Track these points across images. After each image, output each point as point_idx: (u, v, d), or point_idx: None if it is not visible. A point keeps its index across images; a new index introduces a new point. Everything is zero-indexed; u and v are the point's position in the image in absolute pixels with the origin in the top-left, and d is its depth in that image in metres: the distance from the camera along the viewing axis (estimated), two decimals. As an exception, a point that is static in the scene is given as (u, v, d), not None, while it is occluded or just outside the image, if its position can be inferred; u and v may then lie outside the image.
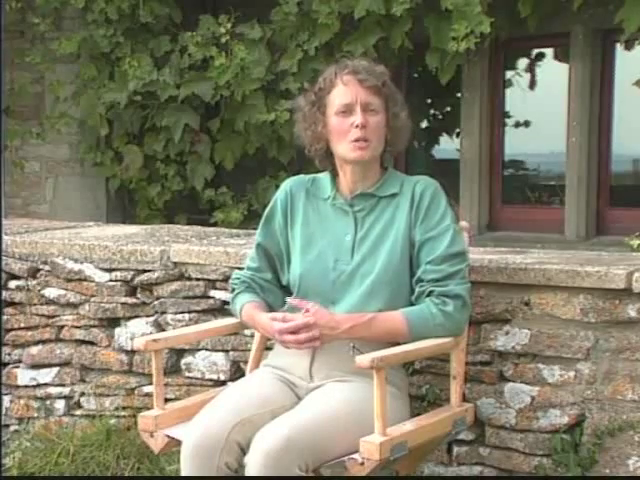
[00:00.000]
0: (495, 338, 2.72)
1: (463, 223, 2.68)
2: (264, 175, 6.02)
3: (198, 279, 3.16)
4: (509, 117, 6.15)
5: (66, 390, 3.41)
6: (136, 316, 3.27)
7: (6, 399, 3.50)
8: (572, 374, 2.64)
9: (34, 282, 3.44)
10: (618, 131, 5.69)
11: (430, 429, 2.45)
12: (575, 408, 2.64)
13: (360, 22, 5.39)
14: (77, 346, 3.38)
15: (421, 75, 6.40)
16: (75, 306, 3.36)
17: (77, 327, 3.36)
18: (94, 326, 3.34)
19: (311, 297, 2.48)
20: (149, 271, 3.23)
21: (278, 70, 5.69)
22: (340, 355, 2.43)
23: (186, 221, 5.87)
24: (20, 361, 3.49)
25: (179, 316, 3.19)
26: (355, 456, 2.25)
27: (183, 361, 3.22)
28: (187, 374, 3.21)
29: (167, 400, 2.79)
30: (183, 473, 2.33)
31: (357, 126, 2.45)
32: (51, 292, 3.40)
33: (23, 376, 3.47)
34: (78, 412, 3.39)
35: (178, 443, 2.45)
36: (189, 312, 3.17)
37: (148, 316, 3.25)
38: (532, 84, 6.16)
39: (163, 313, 3.22)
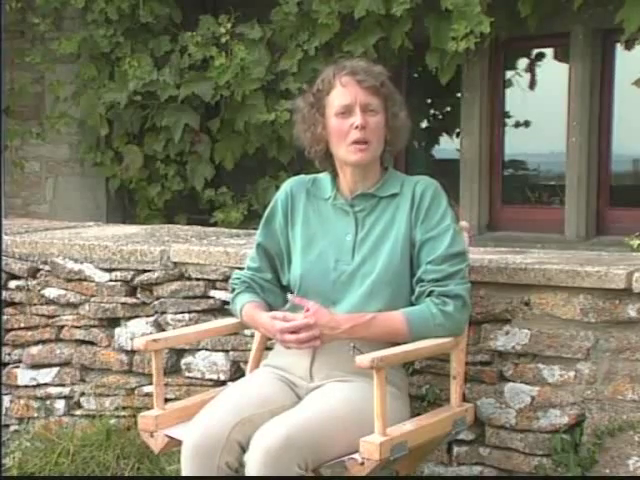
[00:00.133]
0: (495, 338, 2.72)
1: (463, 223, 2.68)
2: (264, 175, 6.02)
3: (198, 279, 3.16)
4: (509, 117, 6.15)
5: (66, 390, 3.41)
6: (136, 316, 3.27)
7: (6, 399, 3.50)
8: (572, 374, 2.64)
9: (34, 282, 3.44)
10: (618, 131, 5.69)
11: (430, 429, 2.45)
12: (575, 408, 2.64)
13: (360, 22, 5.39)
14: (77, 346, 3.38)
15: (421, 75, 6.40)
16: (75, 306, 3.36)
17: (77, 327, 3.36)
18: (94, 326, 3.34)
19: (311, 297, 2.48)
20: (149, 271, 3.23)
21: (278, 70, 5.69)
22: (340, 355, 2.43)
23: (186, 221, 5.87)
24: (20, 361, 3.49)
25: (179, 316, 3.19)
26: (355, 456, 2.25)
27: (183, 361, 3.22)
28: (187, 374, 3.21)
29: (167, 400, 2.79)
30: (184, 473, 2.33)
31: (357, 127, 2.45)
32: (51, 292, 3.40)
33: (23, 376, 3.47)
34: (78, 412, 3.39)
35: (178, 443, 2.45)
36: (189, 312, 3.17)
37: (148, 316, 3.25)
38: (532, 84, 6.16)
39: (163, 313, 3.22)
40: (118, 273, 3.28)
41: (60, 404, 3.43)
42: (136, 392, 3.29)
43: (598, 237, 5.65)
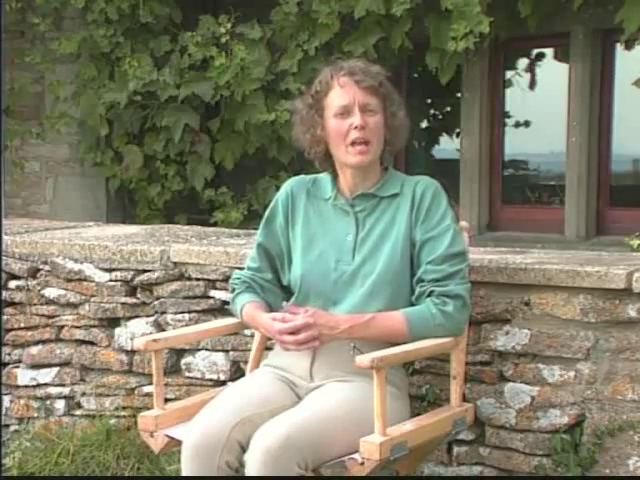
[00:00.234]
0: (495, 338, 2.72)
1: (463, 223, 2.68)
2: (264, 175, 6.02)
3: (198, 279, 3.16)
4: (509, 117, 6.15)
5: (66, 390, 3.41)
6: (136, 316, 3.27)
7: (6, 399, 3.50)
8: (572, 374, 2.64)
9: (34, 282, 3.44)
10: (618, 131, 5.69)
11: (430, 429, 2.45)
12: (575, 408, 2.64)
13: (360, 22, 5.39)
14: (77, 346, 3.38)
15: (421, 75, 6.40)
16: (75, 306, 3.36)
17: (77, 327, 3.36)
18: (94, 326, 3.34)
19: (312, 297, 2.49)
20: (149, 271, 3.23)
21: (278, 70, 5.69)
22: (340, 355, 2.43)
23: (186, 221, 5.87)
24: (20, 361, 3.49)
25: (179, 316, 3.19)
26: (355, 456, 2.25)
27: (183, 361, 3.22)
28: (187, 374, 3.21)
29: (167, 400, 2.79)
30: (184, 473, 2.33)
31: (356, 127, 2.44)
32: (51, 292, 3.40)
33: (23, 376, 3.47)
34: (78, 412, 3.39)
35: (178, 443, 2.45)
36: (189, 312, 3.17)
37: (148, 316, 3.25)
38: (532, 84, 6.16)
39: (163, 313, 3.22)
40: (118, 273, 3.28)
41: (60, 404, 3.43)
42: (136, 392, 3.29)
43: (598, 237, 5.65)
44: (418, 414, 2.56)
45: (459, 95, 6.03)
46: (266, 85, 5.71)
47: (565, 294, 2.62)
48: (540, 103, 6.05)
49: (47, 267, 3.42)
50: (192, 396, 2.88)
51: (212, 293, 3.15)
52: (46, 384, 3.44)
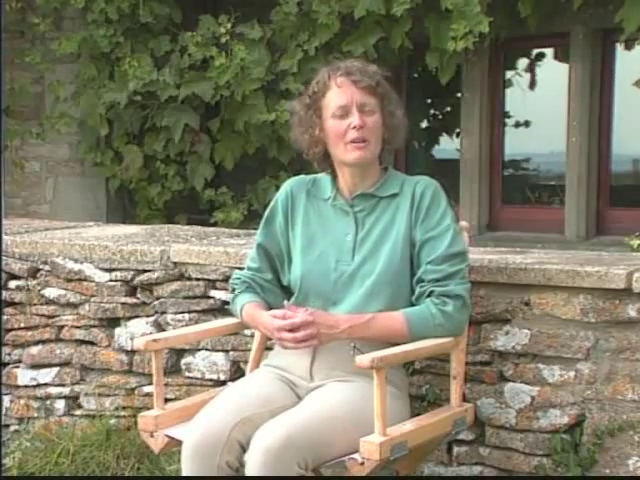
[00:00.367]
0: (495, 338, 2.72)
1: (463, 223, 2.68)
2: (264, 175, 6.02)
3: (198, 279, 3.16)
4: (509, 117, 6.14)
5: (66, 390, 3.41)
6: (136, 316, 3.28)
7: (6, 399, 3.50)
8: (572, 374, 2.64)
9: (34, 282, 3.44)
10: (618, 131, 5.69)
11: (430, 429, 2.45)
12: (575, 408, 2.64)
13: (360, 22, 5.39)
14: (77, 346, 3.38)
15: (421, 75, 6.40)
16: (75, 306, 3.36)
17: (77, 327, 3.36)
18: (94, 326, 3.34)
19: (312, 297, 2.49)
20: (149, 271, 3.23)
21: (278, 70, 5.69)
22: (340, 355, 2.43)
23: (186, 221, 5.87)
24: (20, 361, 3.49)
25: (179, 316, 3.19)
26: (355, 456, 2.25)
27: (183, 361, 3.22)
28: (187, 374, 3.21)
29: (167, 400, 2.79)
30: (184, 473, 2.33)
31: (355, 127, 2.44)
32: (51, 292, 3.40)
33: (23, 376, 3.47)
34: (78, 412, 3.40)
35: (178, 443, 2.45)
36: (189, 312, 3.17)
37: (148, 316, 3.25)
38: (532, 84, 6.15)
39: (163, 313, 3.22)
40: (118, 273, 3.28)
41: (60, 404, 3.43)
42: (136, 392, 3.29)
43: (598, 237, 5.65)
44: (418, 414, 2.56)
45: (459, 95, 6.03)
46: (266, 85, 5.71)
47: (565, 294, 2.62)
48: (540, 103, 6.05)
49: (47, 267, 3.42)
50: (192, 396, 2.88)
51: (212, 293, 3.15)
52: (46, 384, 3.44)
